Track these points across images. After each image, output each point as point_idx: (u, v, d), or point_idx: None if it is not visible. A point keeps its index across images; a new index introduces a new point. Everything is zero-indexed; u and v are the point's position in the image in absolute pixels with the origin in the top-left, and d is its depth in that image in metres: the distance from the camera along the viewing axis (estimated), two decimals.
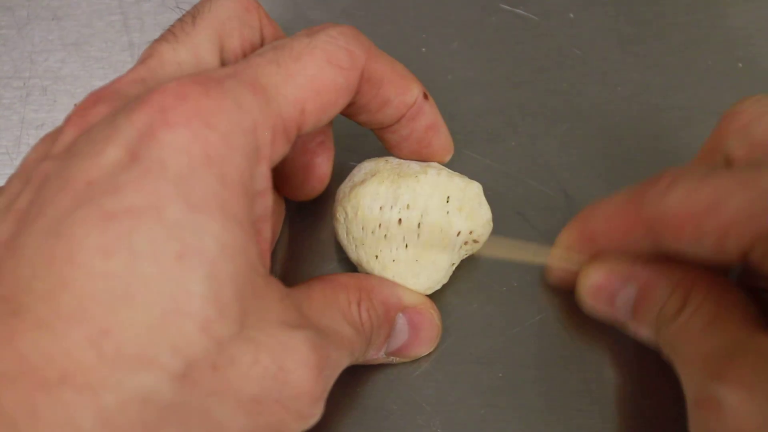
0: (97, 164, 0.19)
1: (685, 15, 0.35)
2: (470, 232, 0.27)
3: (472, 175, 0.28)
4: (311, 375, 0.21)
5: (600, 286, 0.26)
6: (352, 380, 0.28)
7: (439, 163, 0.28)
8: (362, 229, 0.27)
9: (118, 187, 0.19)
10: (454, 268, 0.28)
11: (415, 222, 0.26)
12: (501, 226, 0.30)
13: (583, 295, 0.27)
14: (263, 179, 0.21)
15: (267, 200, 0.22)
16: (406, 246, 0.26)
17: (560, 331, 0.29)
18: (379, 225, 0.26)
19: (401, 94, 0.26)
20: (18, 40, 0.35)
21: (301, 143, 0.27)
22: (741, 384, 0.20)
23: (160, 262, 0.18)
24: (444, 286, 0.28)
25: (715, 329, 0.22)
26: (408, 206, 0.26)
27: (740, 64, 0.34)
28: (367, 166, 0.28)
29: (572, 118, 0.33)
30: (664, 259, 0.24)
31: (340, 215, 0.27)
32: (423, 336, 0.27)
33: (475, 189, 0.27)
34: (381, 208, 0.26)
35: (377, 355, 0.26)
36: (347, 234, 0.27)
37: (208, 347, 0.19)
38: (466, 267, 0.30)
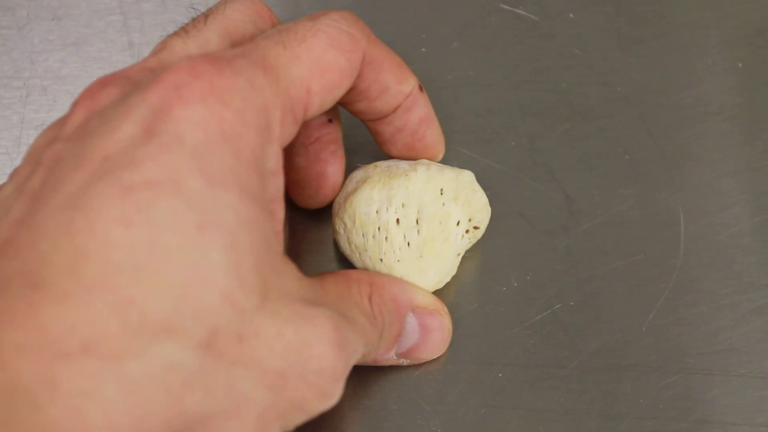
0: (112, 140, 0.19)
1: (685, 15, 0.35)
2: (469, 220, 0.27)
3: (477, 175, 0.28)
4: (333, 352, 0.21)
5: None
6: (352, 380, 0.28)
7: (431, 160, 0.28)
8: (362, 236, 0.27)
9: (136, 161, 0.19)
10: (460, 258, 0.28)
11: (413, 219, 0.26)
12: (501, 226, 0.30)
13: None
14: (275, 159, 0.21)
15: (279, 181, 0.22)
16: (408, 244, 0.26)
17: (560, 331, 0.29)
18: (378, 228, 0.27)
19: (399, 82, 0.26)
20: (18, 40, 0.35)
21: (314, 152, 0.28)
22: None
23: (181, 232, 0.18)
24: (445, 286, 0.28)
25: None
26: (403, 205, 0.26)
27: (740, 64, 0.34)
28: (357, 175, 0.28)
29: (572, 118, 0.33)
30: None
31: (339, 227, 0.28)
32: (433, 338, 0.27)
33: (467, 177, 0.27)
34: (377, 211, 0.27)
35: (388, 355, 0.26)
36: (349, 244, 0.27)
37: (232, 317, 0.19)
38: (466, 267, 0.30)
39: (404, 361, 0.27)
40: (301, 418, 0.21)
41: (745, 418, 0.27)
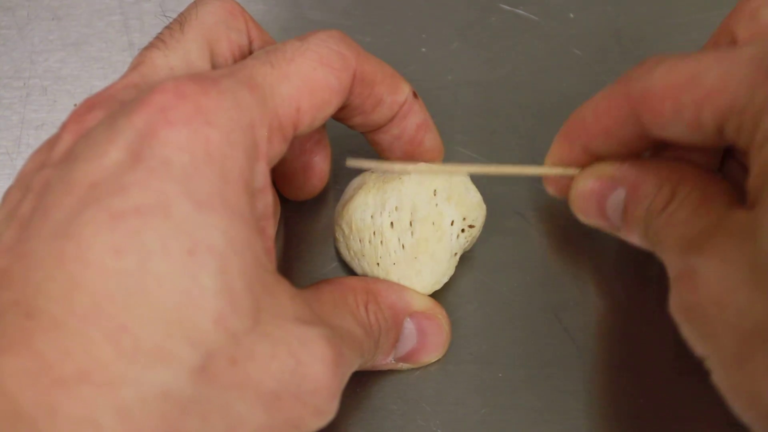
0: (99, 166, 0.19)
1: (685, 15, 0.35)
2: (463, 219, 0.27)
3: (472, 176, 0.28)
4: (328, 370, 0.21)
5: (590, 192, 0.26)
6: (353, 380, 0.28)
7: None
8: (359, 241, 0.27)
9: (124, 187, 0.19)
10: (457, 259, 0.28)
11: (407, 221, 0.27)
12: (501, 226, 0.30)
13: (575, 203, 0.27)
14: (263, 176, 0.22)
15: (268, 198, 0.22)
16: (403, 246, 0.27)
17: (560, 331, 0.29)
18: (374, 233, 0.27)
19: (393, 93, 0.26)
20: (18, 40, 0.35)
21: (298, 144, 0.28)
22: (715, 253, 0.20)
23: (171, 258, 0.18)
24: (444, 286, 0.28)
25: (699, 214, 0.22)
26: (396, 208, 0.27)
27: None
28: (355, 182, 0.28)
29: None
30: (653, 161, 0.25)
31: (338, 234, 0.28)
32: (431, 342, 0.27)
33: (459, 177, 0.27)
34: (372, 216, 0.27)
35: (386, 361, 0.27)
36: (348, 250, 0.28)
37: (225, 341, 0.19)
38: (467, 267, 0.30)
39: (403, 365, 0.27)
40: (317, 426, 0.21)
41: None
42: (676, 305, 0.22)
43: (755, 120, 0.20)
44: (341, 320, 0.23)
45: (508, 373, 0.28)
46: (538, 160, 0.32)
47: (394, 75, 0.26)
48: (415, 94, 0.27)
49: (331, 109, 0.24)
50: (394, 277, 0.27)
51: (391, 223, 0.27)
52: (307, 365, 0.20)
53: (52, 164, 0.21)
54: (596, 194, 0.26)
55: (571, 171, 0.27)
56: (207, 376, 0.18)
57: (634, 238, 0.25)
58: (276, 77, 0.22)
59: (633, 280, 0.30)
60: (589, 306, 0.29)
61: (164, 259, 0.18)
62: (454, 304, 0.29)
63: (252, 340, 0.19)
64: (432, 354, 0.28)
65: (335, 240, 0.28)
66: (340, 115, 0.26)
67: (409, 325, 0.26)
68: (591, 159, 0.26)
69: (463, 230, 0.27)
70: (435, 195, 0.27)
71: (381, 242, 0.27)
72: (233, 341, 0.19)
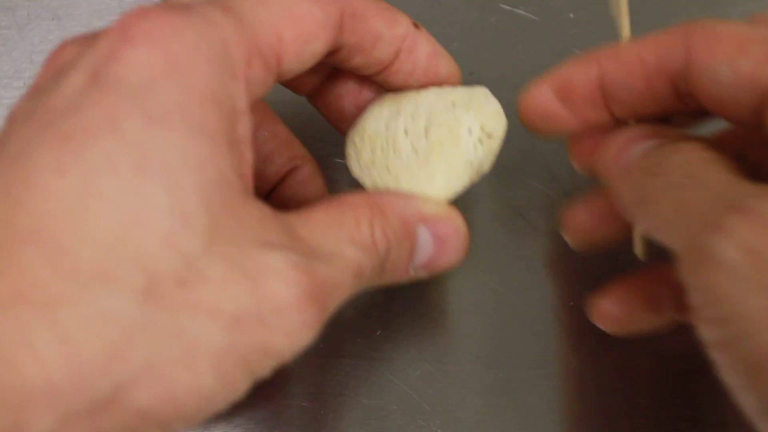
0: (59, 93, 0.19)
1: (685, 15, 0.35)
2: (481, 127, 0.26)
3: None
4: (292, 292, 0.19)
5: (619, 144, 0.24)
6: (353, 380, 0.28)
7: None
8: (371, 151, 0.26)
9: (77, 108, 0.18)
10: (473, 169, 0.26)
11: (422, 128, 0.25)
12: (501, 226, 0.30)
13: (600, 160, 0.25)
14: (242, 98, 0.20)
15: (248, 121, 0.21)
16: (416, 151, 0.25)
17: (560, 332, 0.29)
18: (386, 140, 0.25)
19: (391, 26, 0.25)
20: (18, 40, 0.35)
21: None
22: (739, 238, 0.18)
23: (117, 175, 0.18)
24: (444, 286, 0.28)
25: (706, 176, 0.21)
26: (412, 117, 0.25)
27: None
28: (371, 106, 0.27)
29: None
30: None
31: (350, 149, 0.26)
32: (449, 246, 0.25)
33: (480, 90, 0.26)
34: (386, 126, 0.25)
35: (405, 273, 0.25)
36: (359, 162, 0.26)
37: (173, 261, 0.18)
38: (467, 267, 0.30)
39: (423, 274, 0.25)
40: (271, 362, 0.20)
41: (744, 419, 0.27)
42: (690, 286, 0.20)
43: None
44: (332, 241, 0.22)
45: (508, 373, 0.28)
46: (539, 160, 0.32)
47: (389, 8, 0.25)
48: (416, 25, 0.25)
49: (320, 44, 0.23)
50: (404, 181, 0.25)
51: (406, 131, 0.25)
52: (266, 287, 0.19)
53: (23, 99, 0.20)
54: (627, 140, 0.24)
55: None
56: (154, 299, 0.17)
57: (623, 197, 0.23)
58: (254, 3, 0.21)
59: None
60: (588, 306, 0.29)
61: (110, 176, 0.17)
62: (454, 304, 0.29)
63: (204, 261, 0.18)
64: (451, 258, 0.25)
65: (347, 157, 0.27)
66: (340, 58, 0.25)
67: (423, 233, 0.24)
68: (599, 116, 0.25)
69: (480, 140, 0.26)
70: (454, 106, 0.26)
71: (393, 149, 0.25)
72: (183, 262, 0.18)
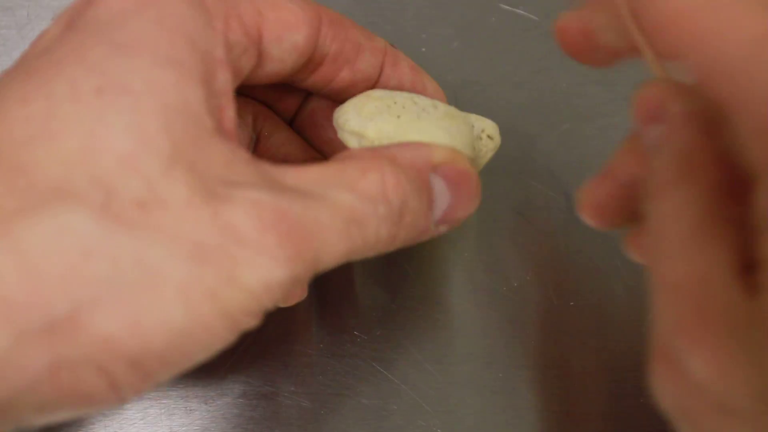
0: (38, 41, 0.20)
1: None
2: (482, 130, 0.26)
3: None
4: (256, 223, 0.18)
5: (649, 101, 0.20)
6: (353, 380, 0.28)
7: None
8: (375, 105, 0.24)
9: (49, 48, 0.19)
10: (474, 154, 0.26)
11: (430, 104, 0.25)
12: (501, 226, 0.30)
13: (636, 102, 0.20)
14: (219, 48, 0.20)
15: (226, 75, 0.21)
16: (427, 111, 0.25)
17: (560, 331, 0.29)
18: (395, 102, 0.25)
19: (369, 39, 0.25)
20: (18, 40, 0.34)
21: None
22: (716, 352, 0.16)
23: (77, 99, 0.18)
24: (444, 287, 0.28)
25: (708, 240, 0.17)
26: (415, 102, 0.25)
27: None
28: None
29: (572, 118, 0.33)
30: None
31: (348, 106, 0.25)
32: (464, 192, 0.24)
33: (489, 122, 0.27)
34: (392, 96, 0.25)
35: (428, 226, 0.23)
36: (360, 114, 0.24)
37: (131, 181, 0.17)
38: (467, 267, 0.30)
39: (443, 228, 0.24)
40: (244, 300, 0.18)
41: None
42: (654, 386, 0.18)
43: None
44: (322, 189, 0.20)
45: (508, 373, 0.28)
46: (539, 160, 0.32)
47: (363, 27, 0.25)
48: (392, 45, 0.26)
49: (300, 36, 0.23)
50: (414, 129, 0.24)
51: (414, 101, 0.25)
52: (226, 215, 0.18)
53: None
54: (655, 105, 0.20)
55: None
56: (112, 217, 0.17)
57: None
58: None
59: (633, 279, 0.30)
60: (589, 306, 0.29)
61: (70, 100, 0.18)
62: (454, 304, 0.29)
63: (165, 184, 0.18)
64: (469, 205, 0.24)
65: (340, 117, 0.25)
66: (327, 73, 0.25)
67: (437, 181, 0.23)
68: None
69: (480, 137, 0.26)
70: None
71: (403, 107, 0.25)
72: (143, 183, 0.18)
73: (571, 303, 0.29)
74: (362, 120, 0.24)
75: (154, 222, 0.17)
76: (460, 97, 0.33)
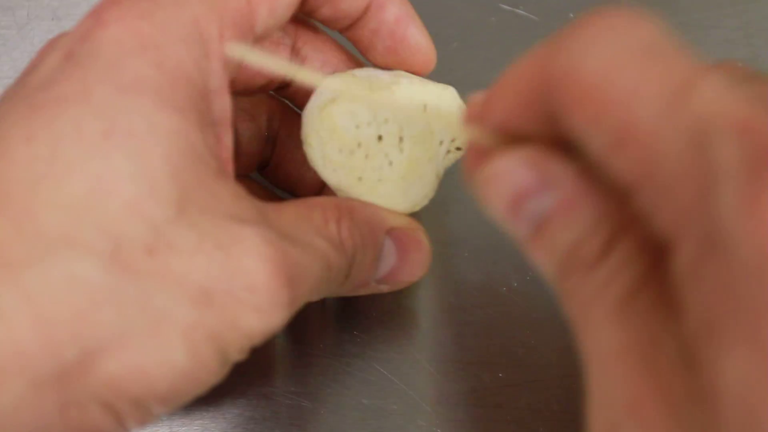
0: (38, 71, 0.19)
1: (684, 15, 0.35)
2: (452, 140, 0.26)
3: None
4: (266, 267, 0.19)
5: (507, 180, 0.17)
6: (352, 380, 0.28)
7: (421, 75, 0.26)
8: (339, 151, 0.25)
9: (50, 82, 0.19)
10: (439, 180, 0.26)
11: (396, 137, 0.25)
12: (501, 226, 0.30)
13: (483, 184, 0.18)
14: (216, 77, 0.20)
15: (224, 101, 0.21)
16: (391, 163, 0.25)
17: (560, 331, 0.29)
18: (359, 144, 0.24)
19: None
20: (18, 40, 0.34)
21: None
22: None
23: (84, 141, 0.18)
24: (444, 287, 0.28)
25: (636, 313, 0.15)
26: (386, 120, 0.24)
27: (740, 65, 0.34)
28: (332, 83, 0.25)
29: None
30: (593, 177, 0.16)
31: (312, 139, 0.25)
32: (412, 258, 0.25)
33: (450, 93, 0.26)
34: (357, 126, 0.24)
35: (368, 281, 0.25)
36: (323, 158, 0.25)
37: (140, 228, 0.18)
38: (466, 267, 0.30)
39: (384, 287, 0.25)
40: (242, 341, 0.19)
41: None
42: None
43: (712, 221, 0.13)
44: (302, 234, 0.21)
45: (508, 373, 0.28)
46: None
47: None
48: None
49: None
50: (377, 194, 0.25)
51: (379, 137, 0.24)
52: (239, 260, 0.19)
53: (11, 85, 0.21)
54: (516, 185, 0.17)
55: (486, 138, 0.18)
56: (120, 265, 0.17)
57: (539, 264, 0.18)
58: None
59: None
60: None
61: (77, 142, 0.18)
62: (454, 304, 0.29)
63: (174, 230, 0.18)
64: (413, 272, 0.25)
65: (305, 144, 0.25)
66: (307, 9, 0.24)
67: (387, 243, 0.25)
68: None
69: (449, 152, 0.26)
70: (425, 110, 0.25)
71: (366, 156, 0.25)
72: (151, 229, 0.18)
73: None
74: (325, 166, 0.25)
75: (162, 267, 0.18)
76: (460, 97, 0.33)
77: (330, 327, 0.29)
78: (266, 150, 0.28)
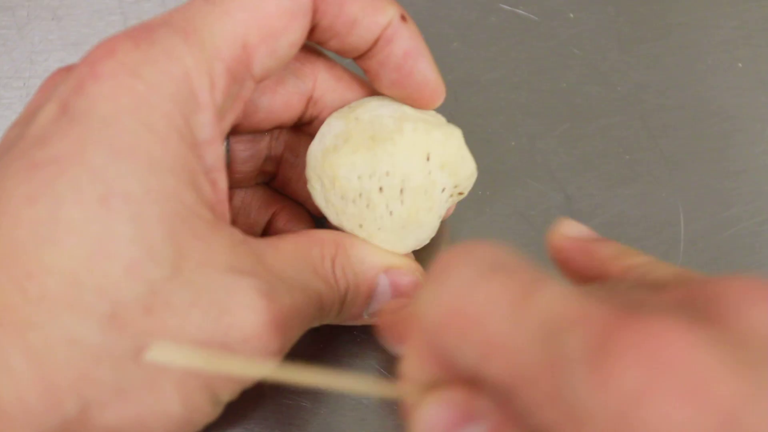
0: (36, 122, 0.20)
1: (685, 15, 0.35)
2: (455, 186, 0.26)
3: None
4: (259, 319, 0.20)
5: (435, 425, 0.17)
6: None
7: (428, 109, 0.26)
8: (341, 198, 0.25)
9: (47, 138, 0.19)
10: (440, 220, 0.26)
11: (397, 189, 0.25)
12: (501, 225, 0.30)
13: None
14: (207, 128, 0.21)
15: (217, 150, 0.21)
16: (391, 213, 0.25)
17: None
18: (360, 195, 0.25)
19: (371, 13, 0.24)
20: (18, 40, 0.35)
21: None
22: None
23: (83, 205, 0.18)
24: None
25: None
26: (387, 173, 0.24)
27: (740, 64, 0.34)
28: (335, 126, 0.25)
29: (572, 118, 0.33)
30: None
31: (315, 183, 0.25)
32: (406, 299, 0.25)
33: (455, 141, 0.25)
34: (359, 177, 0.25)
35: (359, 316, 0.25)
36: (326, 202, 0.25)
37: (138, 289, 0.18)
38: None
39: (377, 321, 0.25)
40: (233, 387, 0.21)
41: None
42: None
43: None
44: (298, 272, 0.22)
45: None
46: (538, 161, 0.32)
47: None
48: (404, 18, 0.25)
49: (292, 35, 0.23)
50: (377, 241, 0.25)
51: (380, 188, 0.25)
52: (233, 314, 0.20)
53: (10, 128, 0.21)
54: (448, 426, 0.17)
55: (404, 389, 0.18)
56: (118, 325, 0.18)
57: None
58: (217, 16, 0.21)
59: None
60: None
61: (76, 205, 0.18)
62: None
63: (170, 289, 0.19)
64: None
65: (309, 185, 0.25)
66: (317, 39, 0.24)
67: (383, 281, 0.25)
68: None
69: (452, 195, 0.26)
70: (428, 160, 0.25)
71: (367, 205, 0.25)
72: (148, 290, 0.19)
73: None
74: (328, 208, 0.25)
75: (159, 325, 0.19)
76: (460, 97, 0.33)
77: (330, 327, 0.29)
78: (267, 165, 0.28)
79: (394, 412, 0.27)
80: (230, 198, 0.28)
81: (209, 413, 0.21)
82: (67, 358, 0.18)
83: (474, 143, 0.32)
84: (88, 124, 0.19)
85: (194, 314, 0.19)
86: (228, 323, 0.20)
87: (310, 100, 0.26)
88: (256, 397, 0.28)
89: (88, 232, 0.18)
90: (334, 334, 0.29)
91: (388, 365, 0.28)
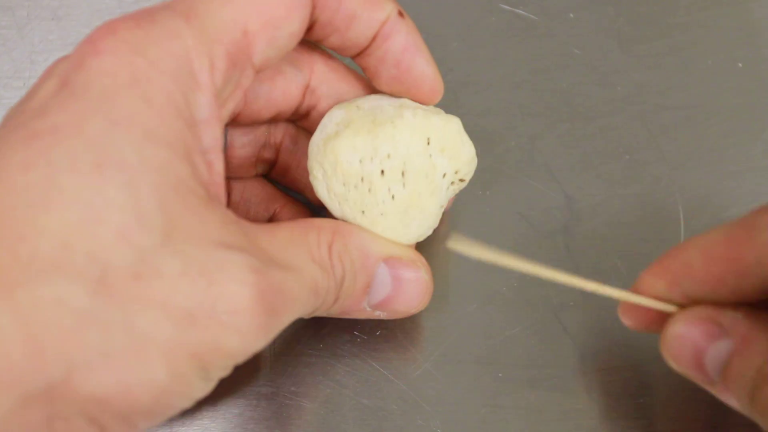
0: (35, 96, 0.20)
1: (685, 15, 0.35)
2: (456, 172, 0.26)
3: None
4: (249, 292, 0.20)
5: (686, 340, 0.22)
6: (353, 380, 0.28)
7: (427, 104, 0.27)
8: (343, 184, 0.25)
9: (46, 110, 0.19)
10: (443, 210, 0.27)
11: (399, 171, 0.25)
12: (501, 226, 0.30)
13: (668, 347, 0.23)
14: (206, 108, 0.21)
15: (214, 131, 0.22)
16: (393, 197, 0.25)
17: (560, 331, 0.29)
18: (362, 179, 0.25)
19: (370, 8, 0.24)
20: (18, 40, 0.35)
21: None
22: None
23: (77, 172, 0.19)
24: (444, 287, 0.28)
25: None
26: (389, 155, 0.25)
27: (740, 64, 0.34)
28: (337, 115, 0.26)
29: (572, 118, 0.33)
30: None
31: (317, 172, 0.26)
32: (408, 290, 0.26)
33: (454, 125, 0.26)
34: (360, 161, 0.25)
35: (358, 307, 0.25)
36: (328, 191, 0.26)
37: (127, 255, 0.19)
38: (466, 267, 0.30)
39: (380, 314, 0.26)
40: (223, 360, 0.20)
41: (744, 419, 0.27)
42: None
43: None
44: (292, 257, 0.22)
45: (508, 373, 0.28)
46: (538, 161, 0.32)
47: None
48: (401, 14, 0.25)
49: (293, 25, 0.23)
50: (379, 227, 0.25)
51: (382, 171, 0.25)
52: (222, 285, 0.20)
53: (12, 107, 0.22)
54: (696, 341, 0.22)
55: (668, 307, 0.23)
56: (106, 290, 0.18)
57: (733, 401, 0.22)
58: (218, 2, 0.22)
59: (633, 279, 0.30)
60: (588, 306, 0.29)
61: (70, 172, 0.19)
62: (454, 304, 0.29)
63: (160, 257, 0.19)
64: (410, 303, 0.26)
65: (311, 175, 0.26)
66: (316, 36, 0.25)
67: (383, 271, 0.25)
68: (689, 301, 0.23)
69: (453, 183, 0.26)
70: (429, 144, 0.25)
71: (369, 190, 0.25)
72: (138, 256, 0.19)
73: (571, 303, 0.29)
74: (330, 198, 0.26)
75: (147, 292, 0.19)
76: (460, 97, 0.33)
77: (330, 327, 0.29)
78: (266, 152, 0.28)
79: (395, 412, 0.27)
80: (229, 192, 0.28)
81: (199, 387, 0.20)
82: (54, 318, 0.18)
83: (474, 143, 0.32)
84: (87, 97, 0.19)
85: (183, 283, 0.19)
86: (216, 294, 0.20)
87: (307, 89, 0.26)
88: (256, 396, 0.28)
89: (81, 197, 0.18)
90: (335, 334, 0.29)
91: (388, 365, 0.28)
